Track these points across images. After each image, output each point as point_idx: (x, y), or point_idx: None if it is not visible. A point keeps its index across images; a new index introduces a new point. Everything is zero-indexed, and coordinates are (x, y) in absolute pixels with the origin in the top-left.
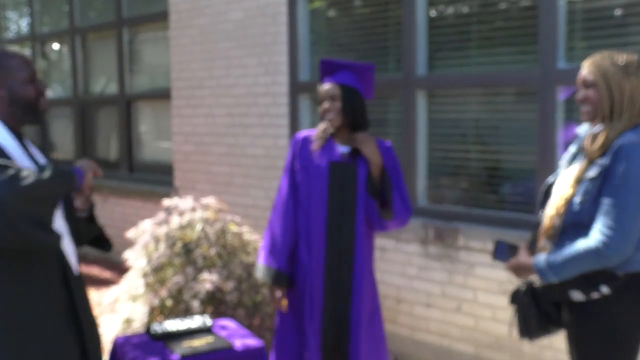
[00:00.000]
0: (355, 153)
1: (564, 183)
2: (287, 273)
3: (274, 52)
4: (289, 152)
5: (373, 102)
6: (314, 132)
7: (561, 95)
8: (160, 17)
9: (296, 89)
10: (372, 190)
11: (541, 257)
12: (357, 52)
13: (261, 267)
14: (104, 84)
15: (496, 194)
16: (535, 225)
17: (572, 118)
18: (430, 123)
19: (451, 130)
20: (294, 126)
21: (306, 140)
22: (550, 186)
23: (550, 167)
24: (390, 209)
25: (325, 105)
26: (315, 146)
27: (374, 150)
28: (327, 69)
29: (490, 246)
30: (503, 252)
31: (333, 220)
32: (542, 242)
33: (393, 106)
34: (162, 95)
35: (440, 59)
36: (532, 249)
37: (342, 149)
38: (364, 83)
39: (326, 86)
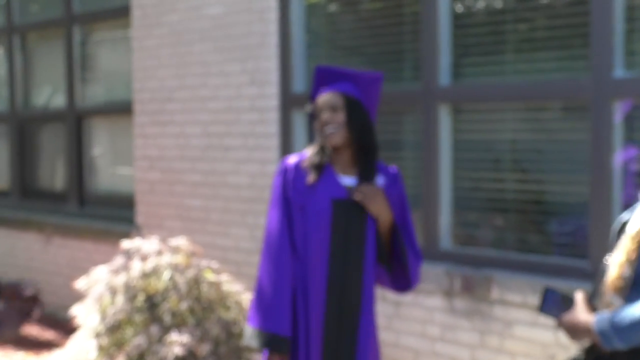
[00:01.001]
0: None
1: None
2: (287, 337)
3: (261, 57)
4: (276, 180)
5: (383, 120)
6: (305, 157)
7: (619, 111)
8: (121, 14)
9: (289, 102)
10: (381, 255)
11: (604, 316)
12: (364, 57)
13: (252, 332)
14: (48, 95)
15: (539, 233)
16: (598, 274)
17: (633, 139)
18: (456, 145)
19: (482, 154)
20: (286, 149)
21: (299, 169)
22: (624, 225)
23: (606, 199)
24: (405, 272)
25: (325, 116)
26: (310, 179)
27: (383, 206)
28: (323, 79)
29: (531, 299)
30: (553, 304)
31: (336, 273)
32: (608, 296)
33: (409, 124)
34: (122, 109)
35: (468, 65)
36: (593, 303)
37: (345, 180)
38: (369, 99)
39: (325, 96)
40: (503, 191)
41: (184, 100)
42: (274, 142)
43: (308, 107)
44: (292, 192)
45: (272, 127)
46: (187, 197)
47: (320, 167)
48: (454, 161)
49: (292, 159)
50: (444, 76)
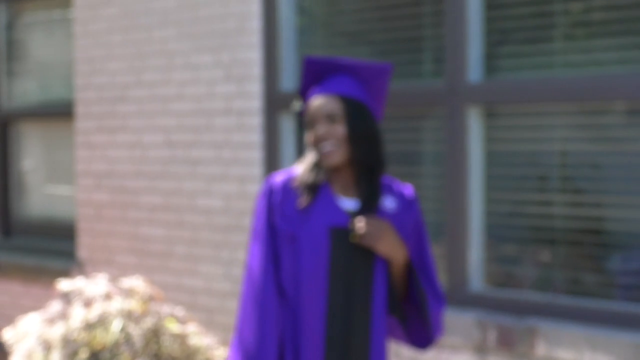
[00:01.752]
0: (369, 209)
1: None
2: None
3: (240, 46)
4: (259, 204)
5: (395, 126)
6: (295, 174)
7: None
8: None
9: (275, 103)
10: (393, 305)
11: None
12: (371, 47)
13: None
14: None
15: (597, 272)
16: None
17: None
18: (489, 158)
19: (523, 169)
20: (272, 163)
21: (288, 189)
22: None
23: None
24: (424, 323)
25: (320, 130)
26: (302, 202)
27: (394, 243)
28: (315, 75)
29: (589, 357)
30: None
31: (335, 324)
32: None
33: (428, 131)
34: (60, 112)
35: (505, 56)
36: None
37: (346, 203)
38: (375, 96)
39: (320, 100)
40: (550, 217)
41: (140, 101)
42: (257, 155)
43: (296, 105)
44: (279, 220)
45: (254, 134)
46: (144, 225)
47: (315, 188)
48: (486, 179)
49: (279, 177)
50: (474, 70)
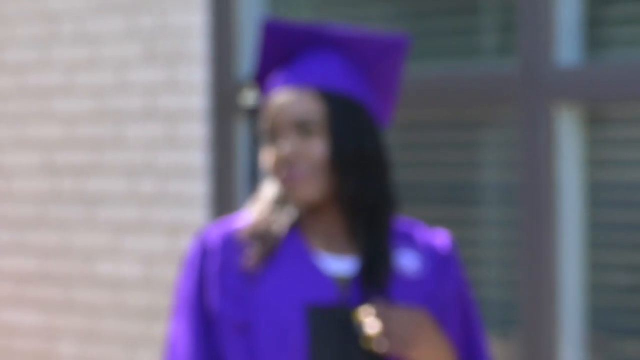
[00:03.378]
0: (376, 275)
1: None
2: None
3: (171, 6)
4: (183, 277)
5: (426, 138)
6: (245, 222)
7: None
8: None
9: (230, 100)
10: None
11: None
12: (391, 5)
13: None
14: None
15: None
16: None
17: None
18: (594, 191)
19: None
20: (224, 200)
21: (232, 248)
22: None
23: None
24: None
25: (285, 147)
26: (256, 264)
27: (436, 349)
28: (281, 49)
29: None
30: None
31: None
32: None
33: (488, 148)
34: None
35: (619, 22)
36: None
37: (333, 263)
38: (381, 89)
39: (285, 97)
40: None
41: (2, 97)
42: (199, 187)
43: (249, 97)
44: (218, 299)
45: (195, 153)
46: (5, 308)
47: (276, 240)
48: (589, 228)
49: (216, 230)
50: (568, 46)
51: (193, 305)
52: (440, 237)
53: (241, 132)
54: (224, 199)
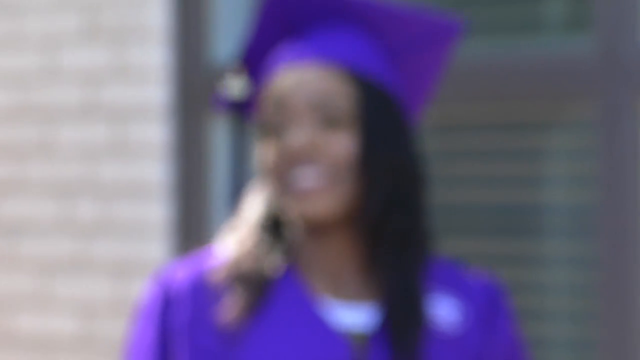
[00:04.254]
0: (405, 331)
1: None
2: None
3: None
4: (139, 332)
5: (466, 144)
6: (221, 258)
7: None
8: None
9: (202, 92)
10: None
11: None
12: None
13: None
14: None
15: None
16: None
17: None
18: None
19: None
20: (193, 229)
21: (203, 293)
22: None
23: None
24: None
25: (299, 137)
26: (238, 315)
27: None
28: (289, 17)
29: None
30: None
31: None
32: None
33: (560, 155)
34: None
35: None
36: None
37: (345, 313)
38: (416, 80)
39: (297, 74)
40: None
41: None
42: (156, 212)
43: (235, 86)
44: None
45: (151, 165)
46: None
47: (266, 283)
48: None
49: (183, 271)
50: None
51: None
52: (487, 281)
53: (217, 136)
54: (192, 227)
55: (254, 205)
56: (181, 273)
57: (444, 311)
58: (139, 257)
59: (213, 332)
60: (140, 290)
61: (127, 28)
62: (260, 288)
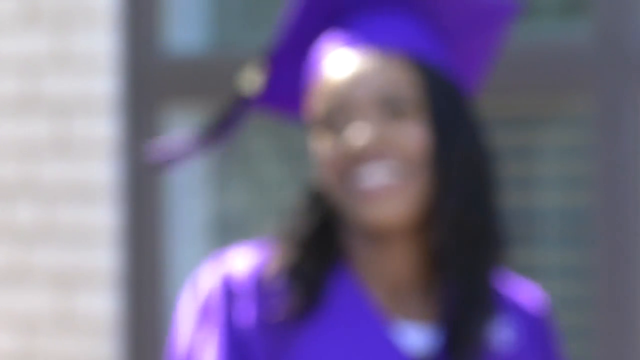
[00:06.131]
0: (458, 350)
1: None
2: None
3: None
4: (204, 333)
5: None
6: (269, 256)
7: None
8: None
9: (159, 84)
10: None
11: None
12: None
13: None
14: None
15: None
16: None
17: None
18: None
19: None
20: (143, 233)
21: (264, 293)
22: None
23: None
24: None
25: (364, 134)
26: (283, 314)
27: None
28: (326, 3)
29: None
30: None
31: None
32: None
33: (554, 152)
34: None
35: None
36: None
37: (404, 331)
38: (470, 63)
39: (356, 65)
40: None
41: None
42: (104, 216)
43: (254, 80)
44: None
45: (99, 165)
46: None
47: (319, 282)
48: None
49: (242, 262)
50: None
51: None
52: (530, 295)
53: (172, 132)
54: (144, 233)
55: (307, 205)
56: (241, 264)
57: (499, 329)
58: (84, 266)
59: (272, 330)
60: (86, 302)
61: (71, 11)
62: (313, 288)
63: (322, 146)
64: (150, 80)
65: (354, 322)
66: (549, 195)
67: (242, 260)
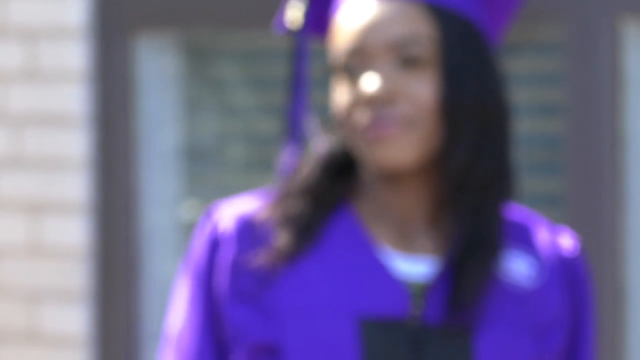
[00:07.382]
0: (471, 288)
1: None
2: None
3: None
4: (192, 270)
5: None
6: (265, 197)
7: None
8: None
9: (124, 8)
10: None
11: None
12: None
13: None
14: None
15: None
16: None
17: None
18: None
19: None
20: (114, 159)
21: (255, 238)
22: None
23: None
24: None
25: (375, 83)
26: (280, 255)
27: None
28: None
29: None
30: None
31: None
32: None
33: (522, 84)
34: None
35: None
36: None
37: (402, 262)
38: (498, 10)
39: (372, 10)
40: None
41: None
42: (74, 143)
43: (298, 11)
44: (236, 309)
45: (69, 92)
46: None
47: (316, 223)
48: None
49: (233, 211)
50: None
51: (200, 326)
52: (563, 237)
53: (143, 58)
54: (114, 161)
55: (321, 144)
56: (229, 214)
57: (518, 266)
58: (54, 194)
59: (252, 273)
60: (56, 230)
61: None
62: (308, 228)
63: (339, 90)
64: (119, 5)
65: (346, 250)
66: (522, 123)
67: (234, 208)
